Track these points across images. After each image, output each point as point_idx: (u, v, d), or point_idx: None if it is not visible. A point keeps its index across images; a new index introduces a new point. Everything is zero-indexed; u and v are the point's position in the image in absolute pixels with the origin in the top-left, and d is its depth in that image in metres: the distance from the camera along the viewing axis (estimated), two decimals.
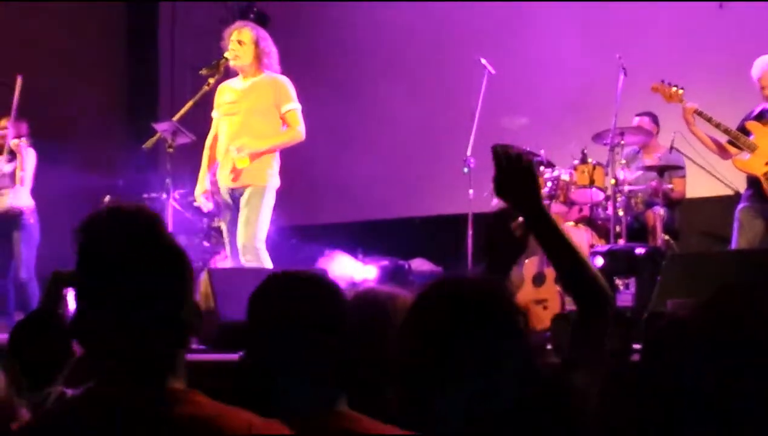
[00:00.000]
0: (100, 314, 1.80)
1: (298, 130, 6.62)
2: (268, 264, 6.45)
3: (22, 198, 8.16)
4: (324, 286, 2.23)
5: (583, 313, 2.33)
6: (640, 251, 6.60)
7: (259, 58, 6.64)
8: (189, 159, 7.19)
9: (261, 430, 1.77)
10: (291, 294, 2.19)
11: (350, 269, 8.21)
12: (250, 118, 6.60)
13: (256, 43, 6.65)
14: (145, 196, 7.92)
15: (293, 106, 6.62)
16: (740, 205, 6.81)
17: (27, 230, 8.18)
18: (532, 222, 2.35)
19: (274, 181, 6.62)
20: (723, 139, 6.91)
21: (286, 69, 6.81)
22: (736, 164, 6.86)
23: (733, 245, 6.75)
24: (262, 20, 7.15)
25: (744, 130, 6.84)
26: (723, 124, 6.81)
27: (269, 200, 6.57)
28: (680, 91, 6.92)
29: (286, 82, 6.67)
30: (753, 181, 6.80)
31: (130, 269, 1.80)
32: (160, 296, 1.81)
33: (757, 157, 6.73)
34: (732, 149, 6.88)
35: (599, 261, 6.65)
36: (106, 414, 1.76)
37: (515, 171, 2.34)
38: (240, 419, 1.77)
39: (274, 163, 6.64)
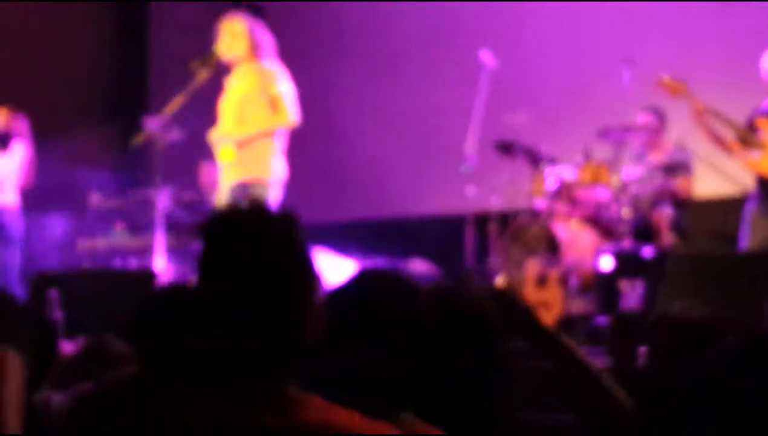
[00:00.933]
0: (225, 311, 1.80)
1: (288, 114, 6.44)
2: None
3: (8, 194, 8.06)
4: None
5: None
6: (648, 252, 6.54)
7: (252, 49, 6.53)
8: (179, 155, 7.15)
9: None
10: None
11: (334, 268, 8.06)
12: (241, 109, 6.49)
13: (248, 34, 6.55)
14: (134, 192, 7.86)
15: (280, 90, 6.45)
16: (749, 206, 6.71)
17: (13, 227, 8.08)
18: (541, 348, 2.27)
19: (277, 173, 6.47)
20: (730, 135, 6.80)
21: (281, 63, 6.71)
22: (746, 164, 6.75)
23: (742, 246, 6.65)
24: (255, 12, 7.07)
25: (752, 128, 6.72)
26: (732, 121, 6.70)
27: (274, 195, 6.43)
28: (685, 85, 6.80)
29: (272, 67, 6.53)
30: (762, 181, 6.67)
31: (261, 270, 1.80)
32: (285, 302, 1.81)
33: (767, 156, 6.60)
34: (739, 147, 6.76)
35: (609, 263, 6.59)
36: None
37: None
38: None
39: (273, 154, 6.47)
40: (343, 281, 2.11)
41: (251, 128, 6.43)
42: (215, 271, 1.82)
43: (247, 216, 1.86)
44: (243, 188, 6.39)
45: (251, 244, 1.80)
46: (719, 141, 6.82)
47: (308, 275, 1.86)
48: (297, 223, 1.87)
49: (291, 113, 6.45)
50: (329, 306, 2.06)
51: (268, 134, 6.46)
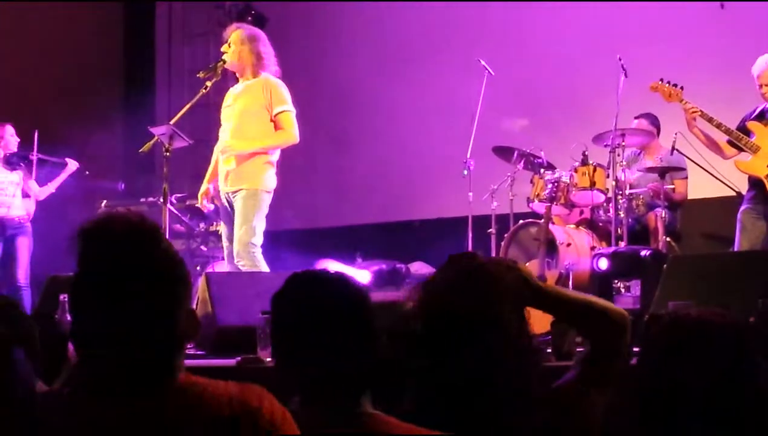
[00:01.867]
0: (96, 320, 1.82)
1: (290, 133, 6.54)
2: (264, 268, 6.39)
3: (27, 204, 8.30)
4: (349, 285, 2.20)
5: (596, 348, 2.37)
6: (645, 252, 6.57)
7: (249, 59, 6.58)
8: (186, 163, 7.14)
9: None
10: (316, 293, 2.16)
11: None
12: (242, 121, 6.55)
13: (246, 44, 6.59)
14: (142, 200, 7.87)
15: (285, 108, 6.53)
16: (743, 207, 6.76)
17: (27, 235, 8.27)
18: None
19: (269, 184, 6.54)
20: (723, 139, 6.86)
21: (284, 71, 6.75)
22: (738, 166, 6.80)
23: (736, 247, 6.69)
24: (259, 22, 7.07)
25: (745, 130, 6.79)
26: (724, 125, 6.76)
27: (263, 204, 6.49)
28: (679, 90, 6.87)
29: (278, 83, 6.59)
30: (755, 183, 6.74)
31: (126, 276, 1.81)
32: (155, 304, 1.82)
33: (760, 158, 6.67)
34: (732, 150, 6.83)
35: (603, 263, 6.61)
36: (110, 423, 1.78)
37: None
38: None
39: (268, 166, 6.56)
40: (279, 287, 2.19)
41: (253, 144, 6.51)
42: (88, 278, 1.85)
43: (106, 222, 1.87)
44: (236, 196, 6.50)
45: (112, 249, 1.83)
46: (712, 144, 6.89)
47: (174, 278, 1.86)
48: (156, 226, 1.89)
49: (294, 133, 6.54)
50: (273, 311, 2.17)
51: (269, 150, 6.57)
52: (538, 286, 2.31)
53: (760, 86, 6.70)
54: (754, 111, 6.85)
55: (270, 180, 6.56)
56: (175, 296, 1.86)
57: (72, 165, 8.55)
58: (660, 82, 6.92)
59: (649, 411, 2.04)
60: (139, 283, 1.81)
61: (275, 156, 6.63)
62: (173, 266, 1.87)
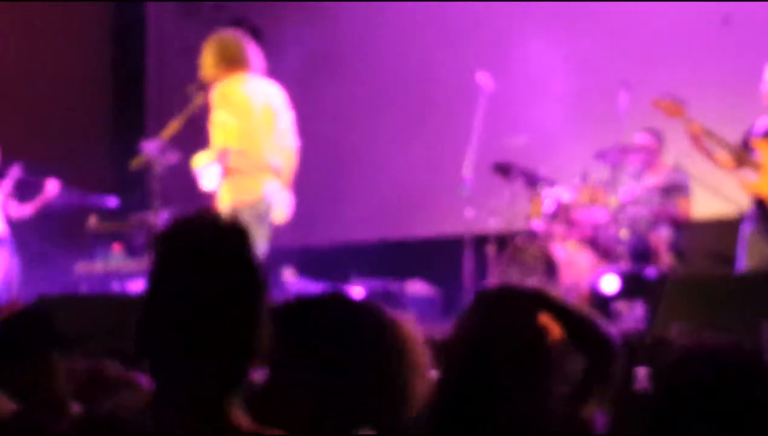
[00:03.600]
0: (169, 329, 1.72)
1: (218, 144, 6.25)
2: None
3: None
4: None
5: (592, 362, 2.35)
6: (650, 272, 6.54)
7: (218, 64, 6.38)
8: (177, 178, 7.11)
9: None
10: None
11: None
12: (211, 132, 6.37)
13: (212, 50, 6.42)
14: (132, 216, 7.84)
15: (216, 118, 6.29)
16: (746, 226, 6.69)
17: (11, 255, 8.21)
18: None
19: (238, 200, 6.27)
20: (726, 156, 6.78)
21: (280, 85, 6.64)
22: (743, 185, 6.74)
23: (739, 266, 6.62)
24: (254, 35, 7.00)
25: (747, 148, 6.70)
26: (726, 142, 6.68)
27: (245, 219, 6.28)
28: (683, 106, 6.78)
29: (216, 90, 6.33)
30: (758, 202, 6.66)
31: (213, 287, 1.72)
32: (232, 316, 1.72)
33: (763, 178, 6.58)
34: (736, 167, 6.74)
35: (610, 284, 6.60)
36: None
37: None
38: None
39: (231, 182, 6.30)
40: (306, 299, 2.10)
41: (200, 158, 6.34)
42: (165, 280, 1.76)
43: (199, 229, 1.79)
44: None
45: (202, 257, 1.74)
46: (716, 161, 6.82)
47: (254, 290, 1.79)
48: (245, 232, 1.81)
49: (220, 139, 6.25)
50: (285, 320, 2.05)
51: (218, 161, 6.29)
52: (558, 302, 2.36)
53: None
54: (759, 127, 6.75)
55: (234, 194, 6.31)
56: (259, 309, 1.76)
57: (51, 186, 8.40)
58: (663, 98, 6.85)
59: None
60: (226, 295, 1.72)
61: (235, 166, 6.30)
62: (260, 272, 1.78)
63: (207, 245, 1.74)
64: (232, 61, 6.37)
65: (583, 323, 2.35)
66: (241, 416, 1.73)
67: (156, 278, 1.76)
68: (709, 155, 6.79)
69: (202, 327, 1.69)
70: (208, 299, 1.70)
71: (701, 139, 6.73)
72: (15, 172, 8.31)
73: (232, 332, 1.71)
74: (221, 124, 6.23)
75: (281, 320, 2.02)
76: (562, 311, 2.33)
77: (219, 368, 1.72)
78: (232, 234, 1.77)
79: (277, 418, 1.93)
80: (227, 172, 6.30)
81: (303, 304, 2.09)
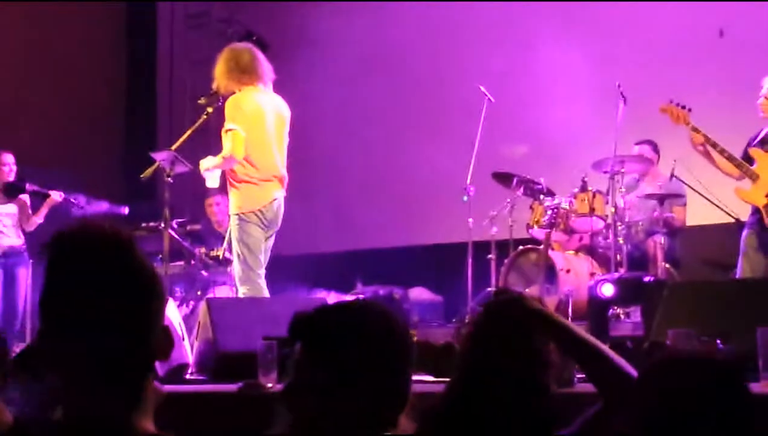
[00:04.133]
0: (65, 336, 1.71)
1: (227, 150, 6.32)
2: (265, 294, 6.38)
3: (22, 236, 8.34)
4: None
5: (608, 401, 2.34)
6: (648, 278, 6.56)
7: (231, 76, 6.47)
8: (187, 188, 7.13)
9: None
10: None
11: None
12: (223, 142, 6.43)
13: (225, 62, 6.51)
14: (144, 225, 7.87)
15: (228, 127, 6.34)
16: (745, 232, 6.71)
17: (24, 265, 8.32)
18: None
19: (245, 207, 6.38)
20: (727, 165, 6.80)
21: (283, 96, 6.71)
22: (738, 194, 6.76)
23: (738, 271, 6.66)
24: (261, 47, 7.02)
25: (747, 156, 6.77)
26: (727, 151, 6.71)
27: (238, 229, 6.36)
28: (687, 113, 6.82)
29: (228, 101, 6.42)
30: (755, 210, 6.69)
31: (98, 289, 1.71)
32: (127, 319, 1.72)
33: (758, 187, 6.61)
34: (736, 174, 6.77)
35: (608, 290, 6.60)
36: None
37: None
38: None
39: (239, 190, 6.40)
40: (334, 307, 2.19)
41: (203, 164, 6.43)
42: (56, 291, 1.74)
43: (78, 233, 1.76)
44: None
45: (82, 262, 1.73)
46: (720, 168, 6.83)
47: (147, 293, 1.76)
48: (131, 238, 1.79)
49: (230, 150, 6.30)
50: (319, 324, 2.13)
51: (216, 169, 6.41)
52: (552, 318, 2.36)
53: (762, 104, 6.66)
54: (757, 136, 6.81)
55: (246, 203, 6.40)
56: (150, 312, 1.76)
57: (55, 196, 8.49)
58: (669, 104, 6.86)
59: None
60: (113, 297, 1.71)
61: (244, 175, 6.40)
62: (149, 280, 1.77)
63: (89, 254, 1.73)
64: (245, 73, 6.46)
65: (599, 360, 2.36)
66: (146, 423, 1.73)
67: (45, 290, 1.75)
68: (713, 163, 6.83)
69: (93, 338, 1.70)
70: (95, 309, 1.70)
71: (704, 147, 6.77)
72: (30, 187, 8.46)
73: (124, 340, 1.71)
74: (233, 134, 6.31)
75: (306, 328, 2.12)
76: (574, 343, 2.36)
77: (115, 378, 1.72)
78: (116, 243, 1.75)
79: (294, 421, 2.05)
80: (236, 181, 6.42)
81: (327, 311, 2.17)
